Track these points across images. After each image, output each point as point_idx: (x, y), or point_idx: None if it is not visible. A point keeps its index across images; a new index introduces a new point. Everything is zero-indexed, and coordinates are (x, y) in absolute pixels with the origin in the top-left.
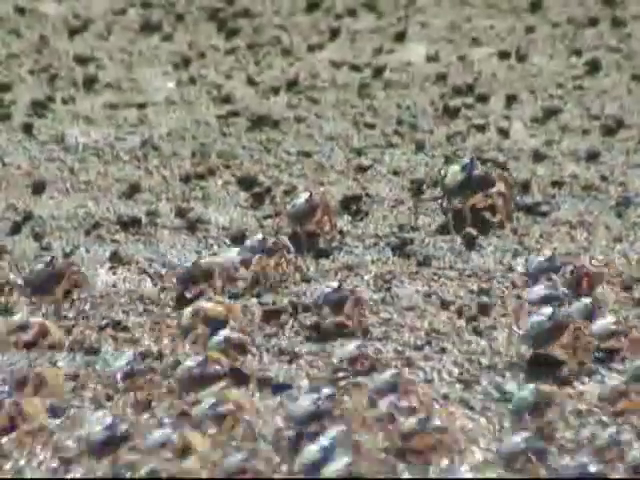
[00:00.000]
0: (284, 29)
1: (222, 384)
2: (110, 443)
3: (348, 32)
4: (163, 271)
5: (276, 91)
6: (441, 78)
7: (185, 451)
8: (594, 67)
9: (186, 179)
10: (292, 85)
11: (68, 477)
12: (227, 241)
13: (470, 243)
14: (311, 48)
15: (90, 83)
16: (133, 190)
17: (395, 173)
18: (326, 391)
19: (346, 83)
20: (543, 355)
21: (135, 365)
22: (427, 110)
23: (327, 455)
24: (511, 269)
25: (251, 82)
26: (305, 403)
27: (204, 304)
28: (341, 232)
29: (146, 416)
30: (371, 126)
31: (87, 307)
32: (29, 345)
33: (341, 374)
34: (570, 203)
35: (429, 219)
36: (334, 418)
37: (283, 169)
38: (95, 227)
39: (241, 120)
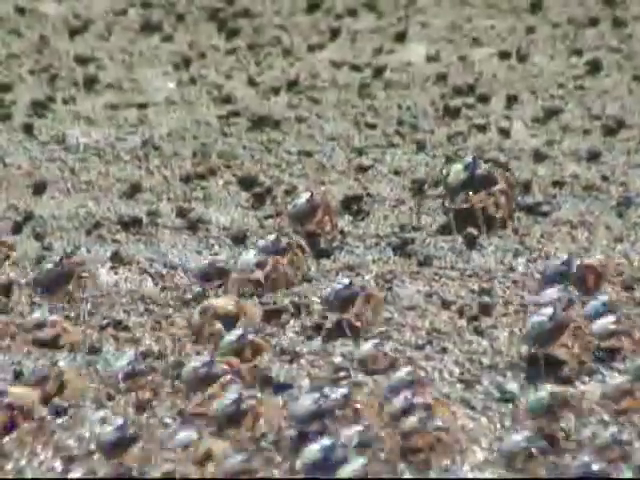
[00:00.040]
0: (284, 29)
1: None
2: (120, 444)
3: (348, 32)
4: (164, 271)
5: (277, 91)
6: (442, 78)
7: (205, 454)
8: (595, 67)
9: (187, 179)
10: (293, 85)
11: (69, 477)
12: (228, 241)
13: (471, 243)
14: (311, 48)
15: (91, 83)
16: (134, 190)
17: (396, 173)
18: (341, 390)
19: (347, 83)
20: (544, 355)
21: (136, 365)
22: (428, 110)
23: (328, 455)
24: (512, 269)
25: (252, 82)
26: (306, 402)
27: (216, 302)
28: (342, 232)
29: (146, 415)
30: (372, 126)
31: (88, 307)
32: (46, 344)
33: (342, 374)
34: (571, 203)
35: (430, 219)
36: (346, 418)
37: (284, 169)
38: (96, 227)
39: (242, 120)
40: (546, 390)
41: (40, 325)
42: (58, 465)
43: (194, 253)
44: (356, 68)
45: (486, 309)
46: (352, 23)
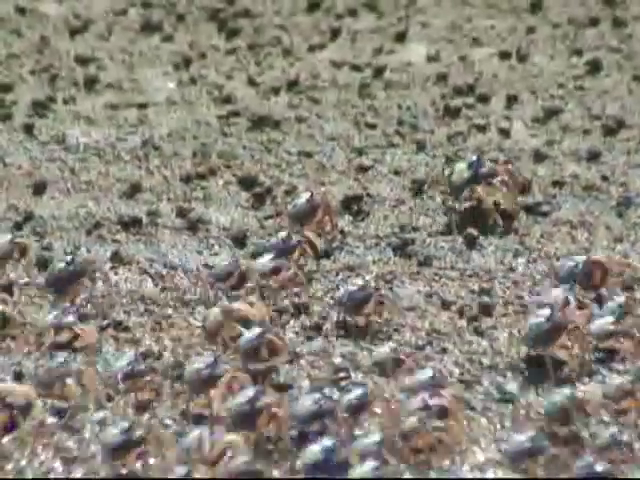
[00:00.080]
0: (285, 29)
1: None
2: (126, 447)
3: (349, 32)
4: (164, 271)
5: (277, 91)
6: (442, 78)
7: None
8: (595, 67)
9: (187, 179)
10: (293, 85)
11: (69, 477)
12: (228, 241)
13: (471, 243)
14: (312, 48)
15: (91, 83)
16: (134, 190)
17: (396, 173)
18: (358, 391)
19: (347, 83)
20: (543, 356)
21: (136, 365)
22: (428, 110)
23: (328, 456)
24: (512, 269)
25: (252, 82)
26: (307, 403)
27: (233, 304)
28: (342, 232)
29: (147, 416)
30: (372, 126)
31: (88, 307)
32: (61, 346)
33: (342, 374)
34: (571, 203)
35: (430, 219)
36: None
37: (284, 169)
38: (96, 227)
39: (242, 120)
40: (562, 393)
41: (57, 328)
42: (58, 465)
43: (194, 253)
44: (356, 68)
45: (486, 309)
46: (352, 23)
